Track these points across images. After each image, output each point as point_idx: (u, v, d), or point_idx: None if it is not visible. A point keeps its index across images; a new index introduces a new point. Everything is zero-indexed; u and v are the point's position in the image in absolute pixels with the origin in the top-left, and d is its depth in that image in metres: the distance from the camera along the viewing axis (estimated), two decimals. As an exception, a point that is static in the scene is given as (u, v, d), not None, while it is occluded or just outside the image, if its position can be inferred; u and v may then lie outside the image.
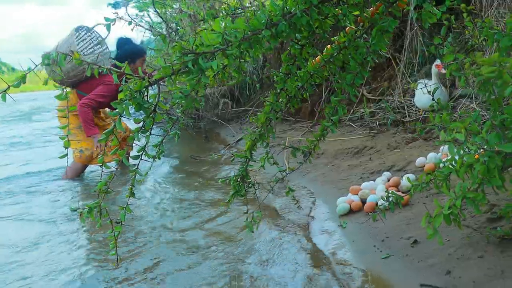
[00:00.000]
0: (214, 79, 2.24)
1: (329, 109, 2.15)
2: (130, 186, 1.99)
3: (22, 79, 1.43)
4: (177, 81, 1.82)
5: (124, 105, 1.63)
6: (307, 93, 2.29)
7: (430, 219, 1.52)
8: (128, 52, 4.19)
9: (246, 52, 2.12)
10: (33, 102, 17.29)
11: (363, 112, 4.54)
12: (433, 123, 1.60)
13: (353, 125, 4.42)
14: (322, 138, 2.17)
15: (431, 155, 2.80)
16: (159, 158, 2.28)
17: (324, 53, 2.20)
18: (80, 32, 4.18)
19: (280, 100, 2.29)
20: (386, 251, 2.09)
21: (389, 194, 1.92)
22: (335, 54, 2.16)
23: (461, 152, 1.38)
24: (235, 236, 2.56)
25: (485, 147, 1.37)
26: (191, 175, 4.15)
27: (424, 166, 2.79)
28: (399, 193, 2.57)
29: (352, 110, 4.74)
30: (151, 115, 1.74)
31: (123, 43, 4.32)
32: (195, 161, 4.71)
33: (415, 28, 4.17)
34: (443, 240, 2.01)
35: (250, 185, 2.34)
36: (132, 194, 1.94)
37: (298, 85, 2.24)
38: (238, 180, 2.33)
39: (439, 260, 1.90)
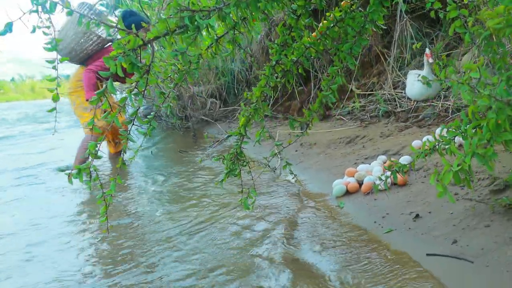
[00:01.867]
0: (207, 52, 2.17)
1: (326, 81, 2.09)
2: (121, 156, 1.90)
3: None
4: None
5: (116, 63, 1.54)
6: (302, 68, 2.23)
7: (439, 176, 1.45)
8: (132, 23, 4.06)
9: (241, 22, 2.07)
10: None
11: (353, 107, 4.49)
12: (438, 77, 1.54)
13: (343, 118, 4.36)
14: (319, 110, 2.10)
15: (427, 137, 2.74)
16: (150, 136, 2.21)
17: (319, 27, 2.14)
18: (82, 8, 4.07)
19: (276, 75, 2.22)
20: (388, 226, 2.02)
21: (393, 163, 1.85)
22: (332, 26, 2.10)
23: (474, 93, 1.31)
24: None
25: (496, 96, 1.31)
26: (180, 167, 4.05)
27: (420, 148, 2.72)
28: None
29: (342, 105, 4.70)
30: (144, 76, 1.66)
31: (127, 15, 4.22)
32: (183, 156, 4.63)
33: (405, 19, 4.14)
34: (446, 213, 1.96)
35: (245, 163, 2.26)
36: (123, 164, 1.85)
37: (294, 59, 2.17)
38: (232, 158, 2.26)
39: (444, 231, 1.83)
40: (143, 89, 1.67)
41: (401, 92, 4.08)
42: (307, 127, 2.12)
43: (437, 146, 1.77)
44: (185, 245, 2.18)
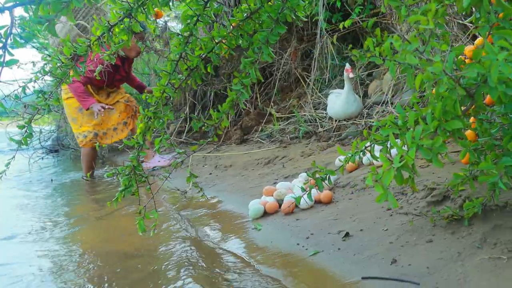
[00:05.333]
0: (98, 44, 1.79)
1: (238, 78, 1.76)
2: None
3: None
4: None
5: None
6: (211, 67, 1.91)
7: (377, 176, 1.15)
8: None
9: (138, 7, 1.72)
10: None
11: (272, 130, 4.23)
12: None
13: (262, 141, 4.08)
14: (230, 113, 1.76)
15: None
16: (26, 145, 1.78)
17: (231, 20, 1.84)
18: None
19: (180, 76, 1.88)
20: (313, 248, 1.69)
21: (317, 170, 1.54)
22: (245, 18, 1.80)
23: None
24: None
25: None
26: (83, 194, 3.55)
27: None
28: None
29: (260, 129, 4.43)
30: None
31: None
32: (86, 182, 4.13)
33: (325, 36, 3.97)
34: (380, 230, 1.67)
35: (143, 178, 1.88)
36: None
37: (202, 55, 1.85)
38: (129, 172, 1.86)
39: (379, 250, 1.53)
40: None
41: (322, 113, 3.87)
42: (216, 131, 1.78)
43: (369, 148, 1.49)
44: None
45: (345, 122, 3.43)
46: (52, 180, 4.32)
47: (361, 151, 1.49)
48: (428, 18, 0.93)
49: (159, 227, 2.26)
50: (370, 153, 1.47)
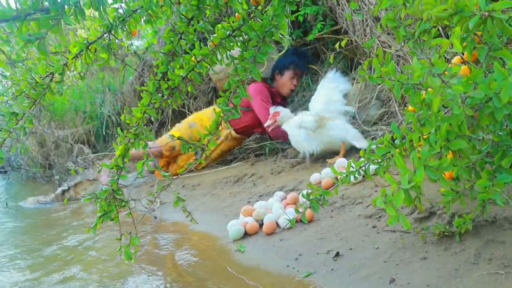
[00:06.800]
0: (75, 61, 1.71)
1: (224, 97, 1.72)
2: None
3: None
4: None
5: None
6: (192, 86, 1.86)
7: (387, 197, 1.14)
8: (282, 62, 3.72)
9: (119, 24, 1.67)
10: None
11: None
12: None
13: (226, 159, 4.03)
14: (216, 132, 1.72)
15: (326, 170, 2.50)
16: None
17: (213, 37, 1.82)
18: None
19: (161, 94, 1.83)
20: (305, 270, 1.67)
21: (311, 190, 1.52)
22: (227, 35, 1.78)
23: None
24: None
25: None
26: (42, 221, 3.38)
27: (320, 182, 2.47)
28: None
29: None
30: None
31: (289, 53, 3.79)
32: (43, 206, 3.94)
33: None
34: (370, 248, 1.67)
35: (123, 203, 1.81)
36: None
37: (182, 74, 1.81)
38: (108, 197, 1.79)
39: (374, 269, 1.53)
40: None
41: (286, 129, 3.87)
42: (203, 152, 1.74)
43: (364, 167, 1.49)
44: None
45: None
46: (7, 204, 4.09)
47: (356, 171, 1.49)
48: (452, 41, 0.94)
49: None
50: (365, 173, 1.47)
